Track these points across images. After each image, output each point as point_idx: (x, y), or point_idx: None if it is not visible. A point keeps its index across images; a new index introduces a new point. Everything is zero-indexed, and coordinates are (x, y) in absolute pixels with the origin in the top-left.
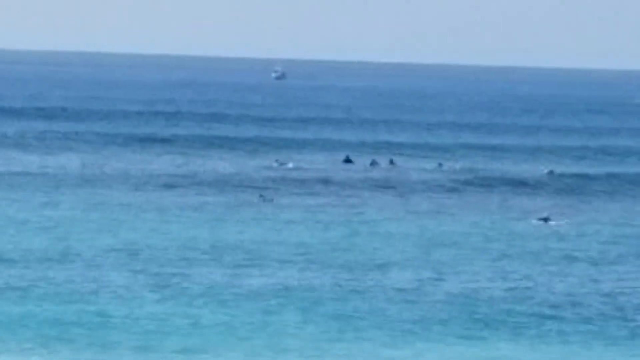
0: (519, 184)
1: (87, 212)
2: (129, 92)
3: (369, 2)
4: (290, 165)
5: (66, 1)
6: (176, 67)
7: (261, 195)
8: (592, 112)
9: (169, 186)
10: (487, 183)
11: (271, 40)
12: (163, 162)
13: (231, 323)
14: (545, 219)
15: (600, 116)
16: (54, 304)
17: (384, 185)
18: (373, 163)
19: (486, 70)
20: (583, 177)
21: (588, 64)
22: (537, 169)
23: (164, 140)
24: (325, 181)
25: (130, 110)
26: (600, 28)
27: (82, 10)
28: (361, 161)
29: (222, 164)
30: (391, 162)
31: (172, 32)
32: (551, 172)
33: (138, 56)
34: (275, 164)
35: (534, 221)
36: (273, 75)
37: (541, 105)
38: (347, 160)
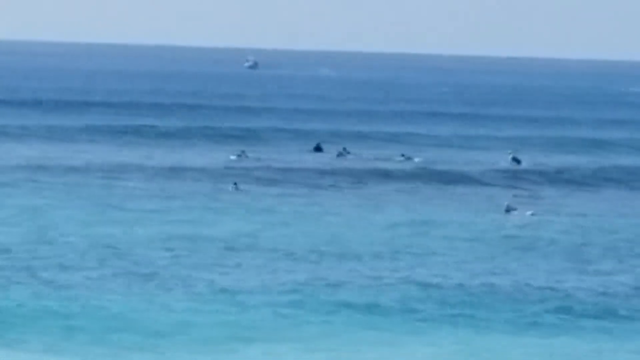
0: (485, 175)
1: (63, 201)
2: (96, 83)
3: None
4: (260, 155)
5: None
6: (145, 56)
7: (235, 184)
8: (576, 102)
9: (137, 176)
10: (451, 173)
11: (244, 30)
12: (131, 153)
13: (198, 317)
14: (509, 209)
15: (584, 106)
16: (19, 293)
17: (349, 174)
18: (340, 154)
19: (464, 60)
20: (554, 167)
21: (571, 54)
22: (505, 159)
23: (133, 131)
24: (293, 169)
25: (97, 101)
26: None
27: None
28: (332, 150)
29: (192, 153)
30: (344, 150)
31: (141, 21)
32: (517, 161)
33: (104, 46)
34: (242, 154)
35: (499, 213)
36: (246, 64)
37: (520, 96)
38: (318, 149)
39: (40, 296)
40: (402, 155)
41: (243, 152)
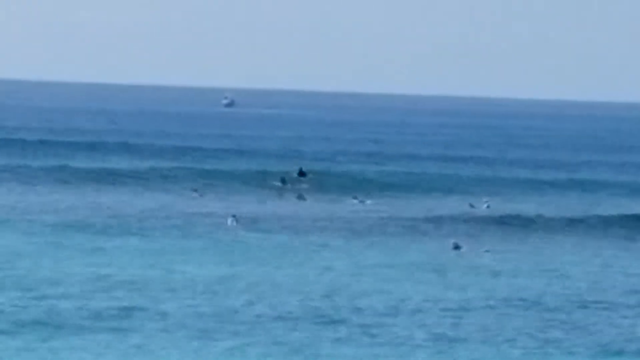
0: (439, 216)
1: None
2: (67, 121)
3: (322, 33)
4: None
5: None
6: (124, 96)
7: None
8: (566, 145)
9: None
10: (406, 215)
11: (221, 69)
12: (91, 196)
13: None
14: (457, 247)
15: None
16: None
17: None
18: (300, 196)
19: (438, 99)
20: (515, 211)
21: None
22: (464, 201)
23: (98, 173)
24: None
25: (60, 141)
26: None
27: (24, 38)
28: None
29: (155, 197)
30: (300, 172)
31: (116, 60)
32: (487, 206)
33: (79, 85)
34: (195, 194)
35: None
36: (223, 102)
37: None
38: (283, 181)
39: None
40: (355, 198)
41: (196, 190)
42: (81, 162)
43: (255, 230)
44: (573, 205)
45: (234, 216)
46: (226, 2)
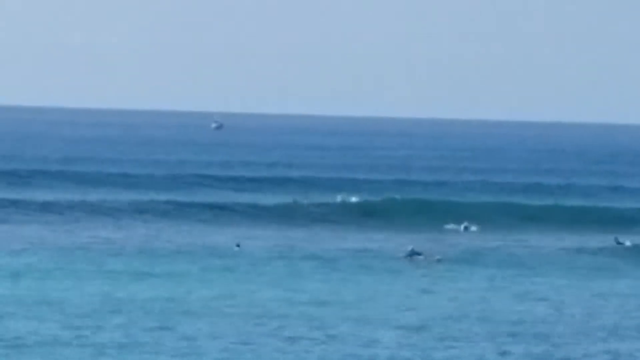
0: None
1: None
2: (45, 149)
3: (309, 56)
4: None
5: None
6: (113, 121)
7: (238, 245)
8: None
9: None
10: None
11: (211, 94)
12: (67, 229)
13: None
14: (412, 254)
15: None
16: None
17: None
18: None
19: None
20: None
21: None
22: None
23: (69, 206)
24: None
25: (37, 169)
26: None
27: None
28: None
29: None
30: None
31: (104, 83)
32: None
33: (63, 110)
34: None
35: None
36: (212, 125)
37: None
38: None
39: None
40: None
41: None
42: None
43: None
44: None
45: (238, 245)
46: (216, 25)
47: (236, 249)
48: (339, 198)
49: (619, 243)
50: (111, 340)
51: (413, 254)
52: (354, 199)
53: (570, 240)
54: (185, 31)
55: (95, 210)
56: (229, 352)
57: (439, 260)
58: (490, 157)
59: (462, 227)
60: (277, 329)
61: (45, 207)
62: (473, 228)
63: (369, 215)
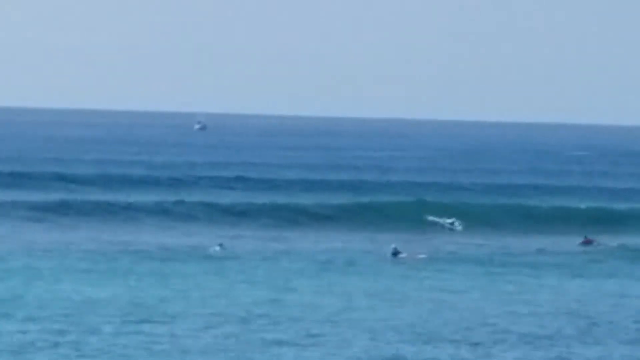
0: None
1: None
2: (24, 149)
3: (289, 58)
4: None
5: None
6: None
7: (220, 245)
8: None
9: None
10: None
11: (195, 94)
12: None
13: None
14: (395, 253)
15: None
16: None
17: None
18: None
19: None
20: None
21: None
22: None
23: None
24: None
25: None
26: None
27: None
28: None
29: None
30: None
31: (87, 84)
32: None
33: (46, 111)
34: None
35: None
36: (196, 126)
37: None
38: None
39: None
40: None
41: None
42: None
43: None
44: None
45: (220, 245)
46: (198, 26)
47: (217, 249)
48: (322, 198)
49: (586, 242)
50: (86, 342)
51: (396, 253)
52: (336, 199)
53: (551, 240)
54: (170, 32)
55: (80, 211)
56: (209, 353)
57: (422, 259)
58: (478, 158)
59: (448, 222)
60: (257, 330)
61: (17, 206)
62: (458, 226)
63: (352, 215)
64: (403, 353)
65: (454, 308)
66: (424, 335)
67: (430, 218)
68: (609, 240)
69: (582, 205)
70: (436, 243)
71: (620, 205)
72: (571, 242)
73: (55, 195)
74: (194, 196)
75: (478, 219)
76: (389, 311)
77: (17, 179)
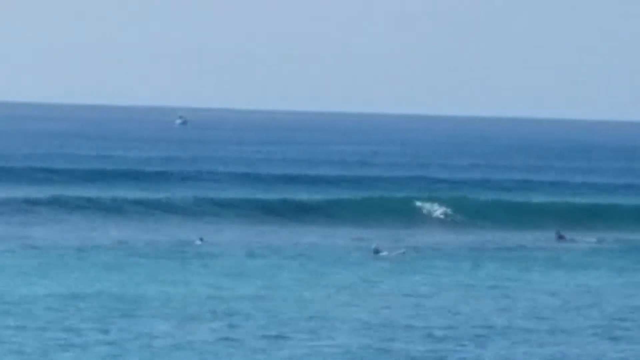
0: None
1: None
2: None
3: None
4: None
5: None
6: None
7: (201, 239)
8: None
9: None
10: None
11: (176, 89)
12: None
13: None
14: (377, 250)
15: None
16: None
17: None
18: None
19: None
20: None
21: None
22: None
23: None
24: None
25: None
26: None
27: None
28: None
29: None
30: None
31: (64, 78)
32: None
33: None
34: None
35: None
36: (177, 122)
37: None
38: None
39: None
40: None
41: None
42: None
43: None
44: None
45: (201, 239)
46: (180, 22)
47: (199, 242)
48: (303, 194)
49: (560, 237)
50: (56, 337)
51: (378, 251)
52: (317, 195)
53: (529, 234)
54: (149, 26)
55: (63, 206)
56: (188, 349)
57: (403, 254)
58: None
59: (439, 211)
60: (239, 324)
61: None
62: (448, 211)
63: (333, 211)
64: (383, 346)
65: (433, 303)
66: (403, 330)
67: (419, 204)
68: (583, 236)
69: (558, 200)
70: (419, 239)
71: (597, 200)
72: (548, 237)
73: (30, 190)
74: (176, 191)
75: (463, 212)
76: (368, 306)
77: None
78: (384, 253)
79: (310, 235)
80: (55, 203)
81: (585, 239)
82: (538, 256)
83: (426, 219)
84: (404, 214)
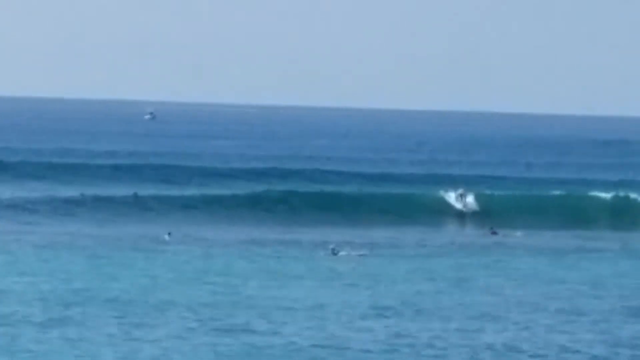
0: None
1: None
2: None
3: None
4: None
5: None
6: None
7: (169, 234)
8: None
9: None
10: None
11: (143, 83)
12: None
13: None
14: (335, 250)
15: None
16: None
17: None
18: None
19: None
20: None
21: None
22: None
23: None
24: None
25: None
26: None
27: None
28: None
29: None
30: None
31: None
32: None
33: None
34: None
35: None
36: (146, 117)
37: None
38: None
39: None
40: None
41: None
42: None
43: None
44: None
45: (169, 234)
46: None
47: (167, 237)
48: (263, 189)
49: (494, 233)
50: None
51: (336, 252)
52: (279, 190)
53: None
54: (116, 19)
55: (30, 203)
56: (155, 343)
57: (362, 256)
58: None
59: (457, 194)
60: (205, 319)
61: None
62: (469, 199)
63: (294, 208)
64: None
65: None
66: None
67: (442, 193)
68: (513, 231)
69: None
70: (378, 237)
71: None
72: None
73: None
74: (146, 187)
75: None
76: (328, 299)
77: None
78: (343, 253)
79: (282, 232)
80: (21, 200)
81: (516, 234)
82: (475, 251)
83: (426, 218)
84: (360, 211)
